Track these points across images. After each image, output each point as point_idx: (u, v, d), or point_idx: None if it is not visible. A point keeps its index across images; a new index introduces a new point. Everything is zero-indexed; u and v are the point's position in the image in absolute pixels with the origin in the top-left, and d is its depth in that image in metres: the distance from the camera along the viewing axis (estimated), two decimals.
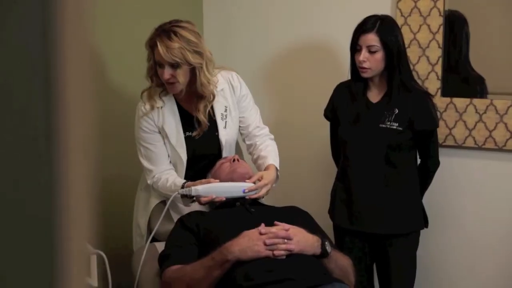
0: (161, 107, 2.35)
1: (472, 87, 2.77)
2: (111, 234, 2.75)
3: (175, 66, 2.23)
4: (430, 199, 2.66)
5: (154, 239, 2.33)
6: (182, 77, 2.24)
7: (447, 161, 2.67)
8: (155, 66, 2.28)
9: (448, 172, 2.72)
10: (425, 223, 2.60)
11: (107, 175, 2.76)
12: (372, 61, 2.40)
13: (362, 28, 2.41)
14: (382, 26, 2.39)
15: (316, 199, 2.85)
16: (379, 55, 2.40)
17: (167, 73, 2.23)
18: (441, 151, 2.58)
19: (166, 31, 2.22)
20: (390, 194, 2.48)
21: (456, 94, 2.73)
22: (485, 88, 2.73)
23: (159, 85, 2.34)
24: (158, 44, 2.19)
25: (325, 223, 2.64)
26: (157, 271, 2.11)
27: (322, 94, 2.69)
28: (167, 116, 2.35)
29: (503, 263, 2.75)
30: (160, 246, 2.18)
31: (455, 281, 2.87)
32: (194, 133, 2.39)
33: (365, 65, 2.41)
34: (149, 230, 2.37)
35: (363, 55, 2.40)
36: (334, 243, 2.62)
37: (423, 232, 2.61)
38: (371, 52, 2.39)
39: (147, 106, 2.34)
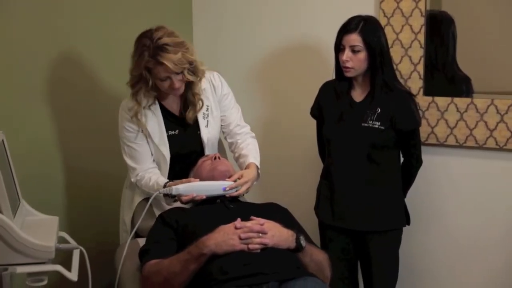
0: (144, 107, 2.38)
1: (458, 87, 2.79)
2: (102, 230, 2.80)
3: (180, 72, 2.26)
4: (413, 197, 2.68)
5: (138, 235, 2.38)
6: (188, 77, 2.29)
7: (429, 159, 2.70)
8: (153, 83, 2.28)
9: (430, 170, 2.75)
10: (406, 220, 2.62)
11: (98, 172, 2.81)
12: (355, 61, 2.44)
13: (346, 28, 2.45)
14: (366, 27, 2.43)
15: (305, 197, 2.88)
16: (362, 55, 2.43)
17: (177, 82, 2.27)
18: (424, 149, 2.60)
19: (159, 47, 2.21)
20: (372, 192, 2.51)
21: (440, 93, 2.76)
22: (470, 88, 2.75)
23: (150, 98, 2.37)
24: (165, 61, 2.19)
25: (314, 221, 2.67)
26: (138, 266, 2.14)
27: (310, 93, 2.71)
28: (150, 116, 2.39)
29: (485, 261, 2.77)
30: (143, 242, 2.21)
31: (438, 279, 2.89)
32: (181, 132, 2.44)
33: (348, 64, 2.45)
34: (133, 226, 2.40)
35: (346, 54, 2.44)
36: (319, 240, 2.65)
37: (405, 230, 2.63)
38: (354, 52, 2.43)
39: (130, 105, 2.37)
